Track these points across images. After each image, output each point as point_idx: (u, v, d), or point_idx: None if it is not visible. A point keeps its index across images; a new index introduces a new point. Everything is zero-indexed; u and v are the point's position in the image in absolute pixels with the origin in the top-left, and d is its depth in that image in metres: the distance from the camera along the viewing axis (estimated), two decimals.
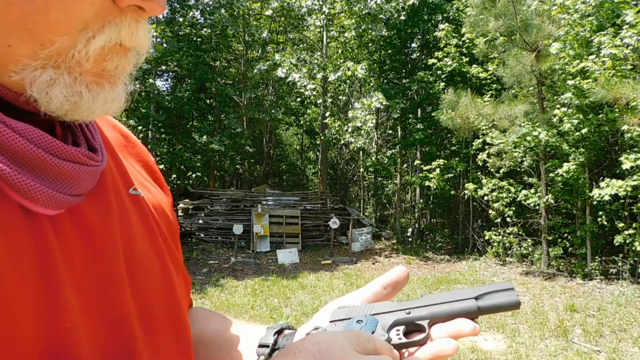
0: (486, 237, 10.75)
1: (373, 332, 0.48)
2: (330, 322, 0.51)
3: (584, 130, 8.16)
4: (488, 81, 11.60)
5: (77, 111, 0.38)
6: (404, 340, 0.48)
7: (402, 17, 13.53)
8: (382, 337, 0.48)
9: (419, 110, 14.79)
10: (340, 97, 15.30)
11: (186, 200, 13.98)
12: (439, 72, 12.83)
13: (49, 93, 0.36)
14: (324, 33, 14.03)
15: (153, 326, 0.44)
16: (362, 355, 0.41)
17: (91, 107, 0.38)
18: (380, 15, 12.92)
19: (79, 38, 0.35)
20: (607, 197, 7.53)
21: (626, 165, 7.30)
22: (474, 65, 11.75)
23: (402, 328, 0.49)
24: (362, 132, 12.45)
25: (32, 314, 0.34)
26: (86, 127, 0.44)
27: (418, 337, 0.48)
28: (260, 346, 0.58)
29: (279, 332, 0.59)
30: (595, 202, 8.20)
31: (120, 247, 0.42)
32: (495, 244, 10.61)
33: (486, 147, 10.11)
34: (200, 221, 12.78)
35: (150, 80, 13.68)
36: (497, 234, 10.55)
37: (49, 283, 0.35)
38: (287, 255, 10.31)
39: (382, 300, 0.54)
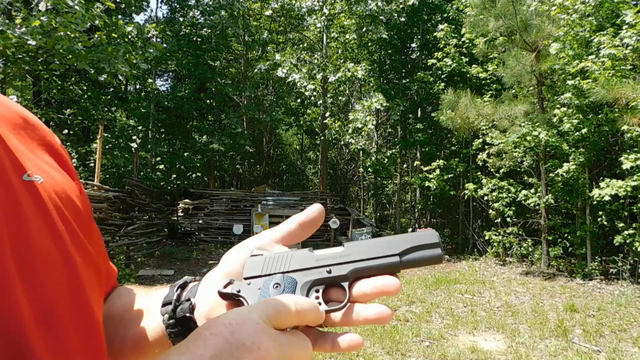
0: (486, 237, 10.74)
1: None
2: (245, 278, 0.47)
3: (584, 130, 8.17)
4: (488, 81, 11.60)
5: None
6: (324, 307, 0.46)
7: (402, 19, 13.54)
8: None
9: (419, 110, 14.81)
10: (340, 97, 15.32)
11: (186, 200, 13.97)
12: (439, 72, 12.84)
13: None
14: (324, 33, 14.03)
15: (54, 324, 0.40)
16: (278, 333, 0.39)
17: None
18: (380, 17, 12.92)
19: None
20: (607, 197, 7.53)
21: (626, 165, 7.30)
22: (474, 65, 11.76)
23: (321, 287, 0.47)
24: (363, 133, 12.46)
25: None
26: None
27: (338, 305, 0.46)
28: (164, 304, 0.54)
29: (182, 287, 0.56)
30: (595, 202, 8.20)
31: (7, 240, 0.38)
32: (495, 244, 10.61)
33: (486, 147, 10.11)
34: (200, 221, 12.78)
35: (150, 80, 13.68)
36: (497, 234, 10.54)
37: None
38: None
39: (296, 237, 0.51)
